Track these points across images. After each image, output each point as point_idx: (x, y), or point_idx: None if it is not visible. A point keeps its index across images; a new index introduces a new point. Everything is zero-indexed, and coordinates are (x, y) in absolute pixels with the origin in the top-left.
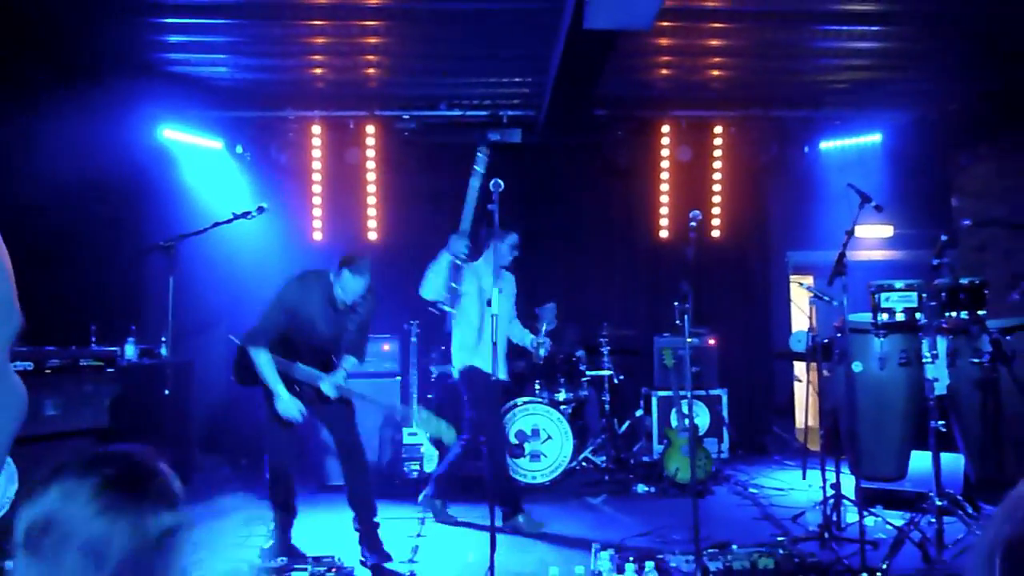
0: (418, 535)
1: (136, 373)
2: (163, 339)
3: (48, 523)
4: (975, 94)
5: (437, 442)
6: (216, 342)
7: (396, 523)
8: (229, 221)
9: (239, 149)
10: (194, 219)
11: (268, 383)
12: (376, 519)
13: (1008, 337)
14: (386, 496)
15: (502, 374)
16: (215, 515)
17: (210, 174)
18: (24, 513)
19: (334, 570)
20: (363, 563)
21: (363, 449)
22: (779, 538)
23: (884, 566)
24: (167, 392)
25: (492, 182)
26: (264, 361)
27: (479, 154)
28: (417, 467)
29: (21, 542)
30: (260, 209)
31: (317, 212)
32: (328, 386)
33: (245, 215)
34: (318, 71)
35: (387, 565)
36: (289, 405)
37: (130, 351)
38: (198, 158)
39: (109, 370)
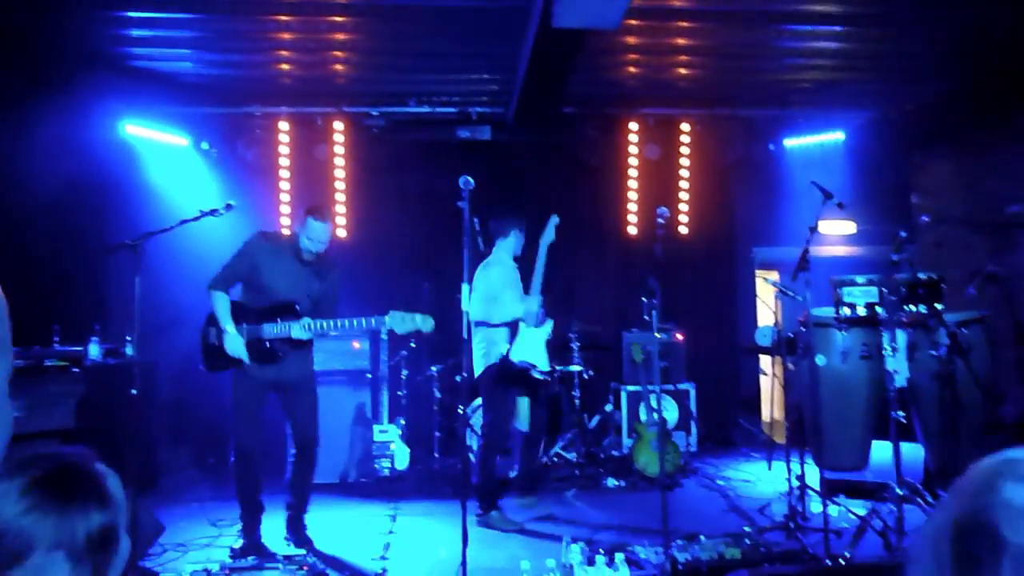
0: (389, 532)
1: (102, 373)
2: (128, 338)
3: None
4: (934, 95)
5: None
6: (183, 341)
7: (367, 520)
8: (197, 218)
9: (205, 146)
10: (159, 217)
11: (219, 321)
12: (306, 509)
13: (964, 330)
14: (357, 494)
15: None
16: (184, 515)
17: (176, 171)
18: None
19: (305, 568)
20: (287, 541)
21: (317, 445)
22: (746, 529)
23: (847, 554)
24: (134, 392)
25: (462, 179)
26: (219, 301)
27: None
28: (388, 464)
29: None
30: (228, 206)
31: (285, 209)
32: (299, 328)
33: (213, 212)
34: (285, 67)
35: (355, 562)
36: (235, 341)
37: (94, 351)
38: (163, 155)
39: (75, 370)
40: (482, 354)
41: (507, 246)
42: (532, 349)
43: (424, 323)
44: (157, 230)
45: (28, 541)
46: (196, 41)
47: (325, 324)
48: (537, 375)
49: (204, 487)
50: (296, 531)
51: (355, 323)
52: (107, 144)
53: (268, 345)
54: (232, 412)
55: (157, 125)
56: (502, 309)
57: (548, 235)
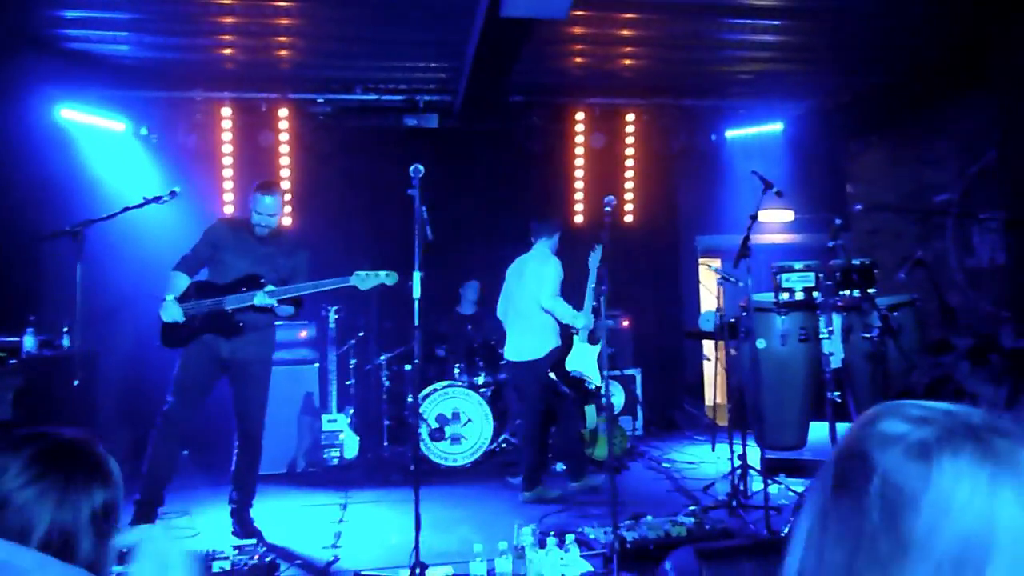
0: (340, 520)
1: (40, 364)
2: (65, 328)
3: None
4: (868, 87)
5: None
6: (127, 329)
7: (318, 510)
8: (140, 206)
9: (144, 131)
10: (97, 204)
11: (165, 292)
12: (251, 502)
13: (895, 313)
14: (306, 484)
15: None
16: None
17: (113, 157)
18: None
19: (256, 558)
20: (234, 534)
21: (260, 438)
22: (691, 508)
23: (786, 530)
24: (76, 383)
25: (412, 168)
26: (174, 278)
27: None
28: (337, 453)
29: None
30: (172, 194)
31: (228, 197)
32: (262, 295)
33: (157, 199)
34: (228, 51)
35: (306, 552)
36: (170, 307)
37: (29, 342)
38: (100, 140)
39: (12, 361)
40: (548, 335)
41: (551, 245)
42: (585, 362)
43: (388, 277)
44: (99, 217)
45: (32, 514)
46: (135, 23)
47: (289, 288)
48: (589, 385)
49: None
50: (243, 523)
51: (320, 285)
52: (41, 129)
53: (230, 315)
54: (174, 378)
55: (93, 110)
56: (566, 310)
57: (595, 258)
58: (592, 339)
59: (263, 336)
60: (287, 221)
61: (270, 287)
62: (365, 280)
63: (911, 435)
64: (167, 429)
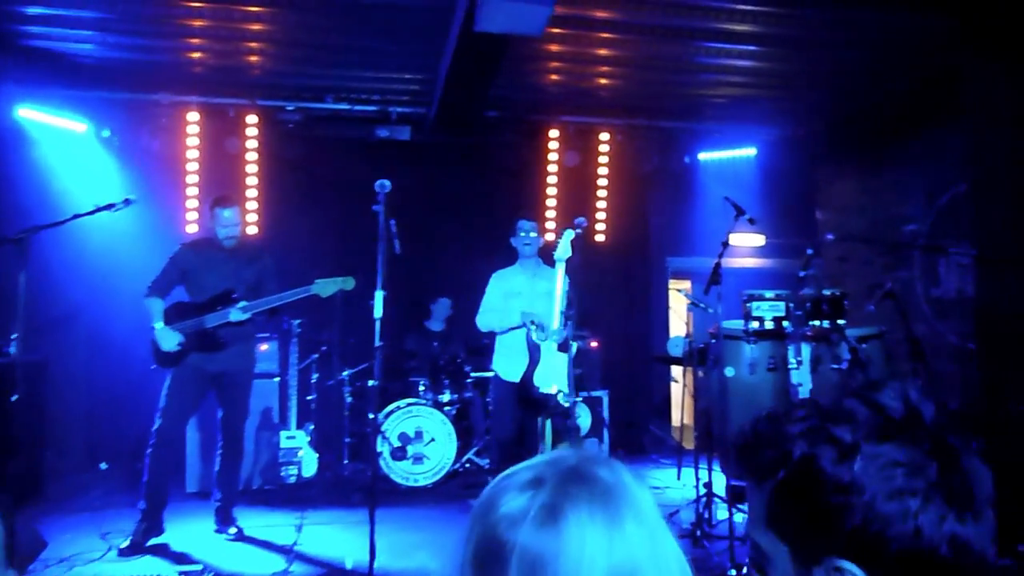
0: (294, 544)
1: None
2: (13, 337)
3: None
4: (839, 115)
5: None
6: (78, 340)
7: (272, 531)
8: (91, 213)
9: (106, 133)
10: (53, 207)
11: (151, 321)
12: (234, 500)
13: (864, 345)
14: (262, 502)
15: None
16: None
17: (73, 159)
18: None
19: None
20: (216, 531)
21: (243, 438)
22: None
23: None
24: (14, 397)
25: (378, 183)
26: (150, 305)
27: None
28: (295, 471)
29: None
30: (127, 201)
31: (192, 204)
32: (236, 312)
33: (109, 207)
34: (196, 55)
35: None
36: (163, 334)
37: None
38: (59, 141)
39: None
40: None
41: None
42: (557, 374)
43: (346, 283)
44: (45, 224)
45: None
46: (100, 22)
47: (259, 303)
48: (565, 402)
49: (96, 494)
50: (226, 520)
51: (285, 297)
52: None
53: (212, 332)
54: (164, 398)
55: (53, 110)
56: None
57: (563, 249)
58: (563, 347)
59: (246, 347)
60: (253, 231)
61: (243, 303)
62: (325, 287)
63: (533, 504)
64: (160, 449)
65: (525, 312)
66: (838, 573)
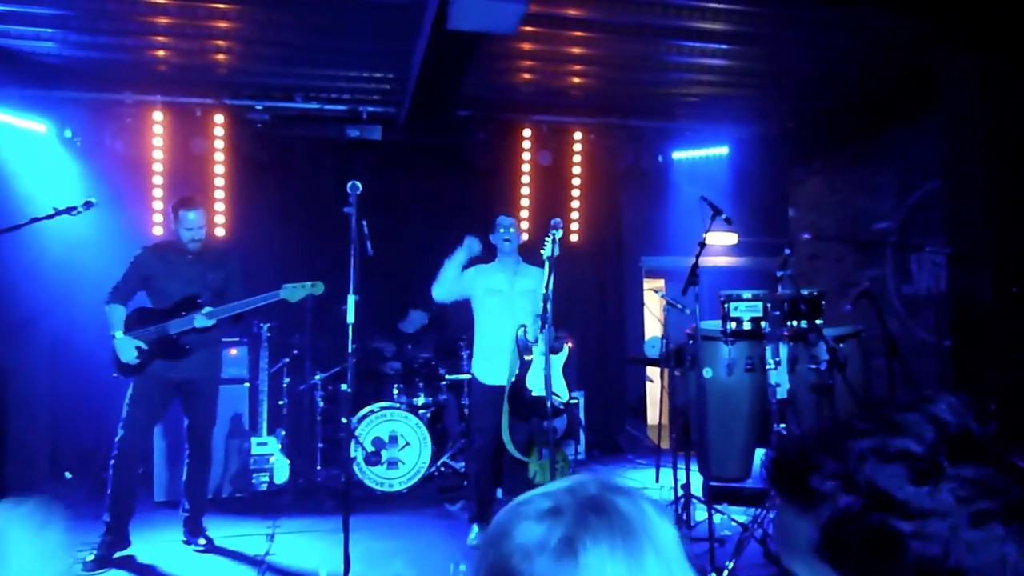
0: (266, 553)
1: None
2: None
3: None
4: (810, 114)
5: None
6: (38, 346)
7: (242, 541)
8: (50, 216)
9: (68, 133)
10: (12, 211)
11: (111, 329)
12: (202, 510)
13: (841, 345)
14: (232, 511)
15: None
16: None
17: (33, 161)
18: None
19: None
20: (185, 542)
21: (211, 446)
22: None
23: (730, 565)
24: None
25: (349, 184)
26: (111, 312)
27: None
28: (266, 478)
29: None
30: (88, 204)
31: (158, 205)
32: (201, 317)
33: (70, 211)
34: (161, 53)
35: None
36: (122, 343)
37: None
38: (19, 142)
39: None
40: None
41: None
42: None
43: (315, 288)
44: (4, 228)
45: None
46: (60, 19)
47: (225, 308)
48: (558, 404)
49: (59, 507)
50: (195, 532)
51: (252, 302)
52: None
53: (176, 339)
54: (126, 408)
55: (12, 110)
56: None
57: (551, 249)
58: (555, 349)
59: (211, 354)
60: (220, 233)
61: (207, 308)
62: (293, 292)
63: (550, 537)
64: (124, 460)
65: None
66: None
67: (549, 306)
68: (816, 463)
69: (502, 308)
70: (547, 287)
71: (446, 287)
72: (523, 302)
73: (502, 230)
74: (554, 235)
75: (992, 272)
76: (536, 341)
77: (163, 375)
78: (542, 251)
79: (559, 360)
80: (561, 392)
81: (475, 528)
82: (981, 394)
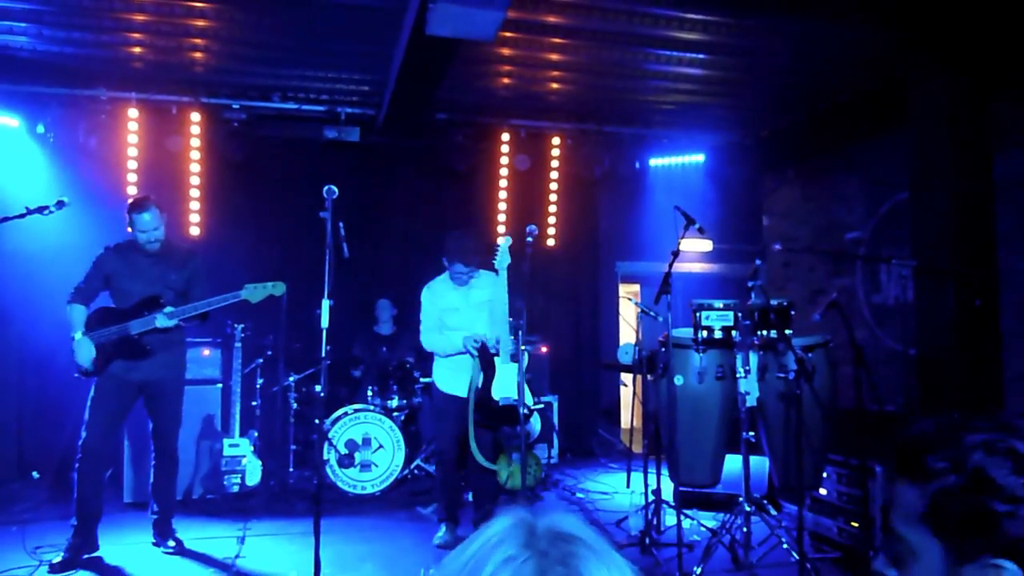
0: (236, 556)
1: None
2: None
3: None
4: (783, 123)
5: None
6: (8, 346)
7: (212, 543)
8: (21, 216)
9: (40, 129)
10: None
11: (71, 330)
12: (171, 512)
13: (810, 354)
14: (202, 513)
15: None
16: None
17: (4, 156)
18: None
19: None
20: (155, 544)
21: (177, 452)
22: None
23: (698, 570)
24: None
25: (325, 189)
26: (73, 312)
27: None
28: (238, 480)
29: None
30: (60, 204)
31: None
32: (163, 317)
33: (41, 210)
34: (137, 50)
35: None
36: (81, 345)
37: None
38: None
39: None
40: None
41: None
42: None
43: (276, 288)
44: None
45: None
46: (33, 14)
47: (187, 308)
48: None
49: (24, 506)
50: (164, 534)
51: (213, 302)
52: None
53: (137, 339)
54: (88, 410)
55: None
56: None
57: (503, 258)
58: (514, 357)
59: (174, 355)
60: (195, 232)
61: (169, 308)
62: (254, 292)
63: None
64: (88, 463)
65: (467, 336)
66: (995, 570)
67: (514, 315)
68: (933, 446)
69: (460, 324)
70: (502, 297)
71: (437, 350)
72: (480, 315)
73: (458, 274)
74: (504, 243)
75: (956, 284)
76: (497, 352)
77: (124, 376)
78: (494, 261)
79: (519, 367)
80: (526, 398)
81: (443, 528)
82: (943, 402)
